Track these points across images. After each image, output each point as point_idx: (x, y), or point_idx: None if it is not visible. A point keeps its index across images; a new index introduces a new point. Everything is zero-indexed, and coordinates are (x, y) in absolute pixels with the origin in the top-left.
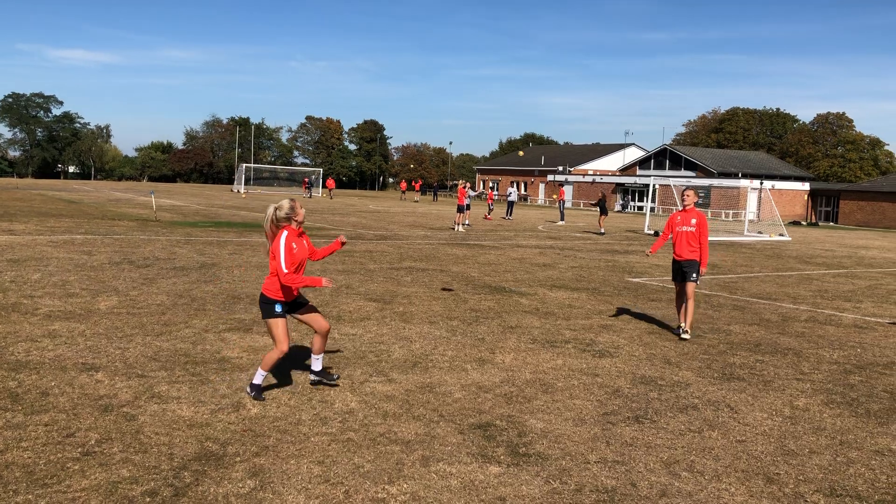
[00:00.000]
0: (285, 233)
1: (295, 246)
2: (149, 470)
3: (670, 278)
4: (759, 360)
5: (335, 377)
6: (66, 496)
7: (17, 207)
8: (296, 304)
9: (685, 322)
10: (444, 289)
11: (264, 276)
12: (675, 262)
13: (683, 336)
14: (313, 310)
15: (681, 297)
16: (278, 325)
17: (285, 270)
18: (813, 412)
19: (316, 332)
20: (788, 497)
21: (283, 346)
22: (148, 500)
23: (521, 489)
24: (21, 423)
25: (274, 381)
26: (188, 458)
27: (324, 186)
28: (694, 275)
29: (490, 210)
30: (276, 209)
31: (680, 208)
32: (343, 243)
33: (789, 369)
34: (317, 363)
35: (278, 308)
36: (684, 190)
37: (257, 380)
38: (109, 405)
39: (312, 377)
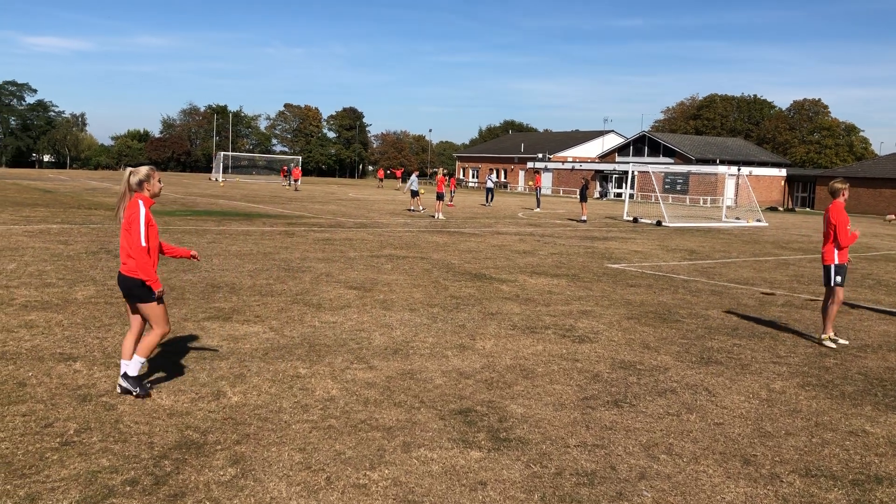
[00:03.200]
0: (142, 202)
1: (150, 221)
2: (129, 459)
3: (653, 265)
4: (736, 345)
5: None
6: (46, 486)
7: None
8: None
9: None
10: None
11: (244, 265)
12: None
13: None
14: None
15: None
16: (159, 307)
17: (143, 244)
18: (789, 395)
19: (132, 327)
20: (765, 478)
21: (166, 327)
22: (128, 488)
23: (502, 473)
24: None
25: (253, 369)
26: (168, 447)
27: (288, 175)
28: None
29: (451, 197)
30: (131, 173)
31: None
32: (194, 257)
33: (766, 353)
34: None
35: (157, 291)
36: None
37: (134, 370)
38: (88, 395)
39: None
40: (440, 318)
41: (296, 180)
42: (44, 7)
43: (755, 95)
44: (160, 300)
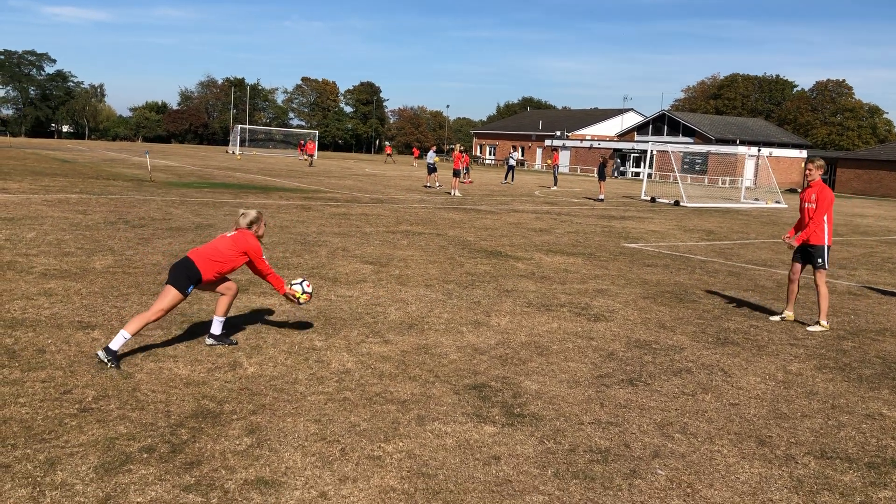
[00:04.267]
0: (254, 239)
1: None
2: (146, 427)
3: (670, 245)
4: (753, 326)
5: (234, 341)
6: (65, 451)
7: (10, 166)
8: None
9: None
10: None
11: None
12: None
13: (812, 328)
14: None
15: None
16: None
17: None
18: (806, 377)
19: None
20: (780, 459)
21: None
22: (145, 455)
23: (516, 448)
24: (18, 379)
25: (269, 341)
26: (185, 416)
27: (303, 151)
28: (820, 260)
29: (466, 174)
30: (242, 214)
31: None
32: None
33: (783, 335)
34: (217, 325)
35: (190, 289)
36: (805, 163)
37: (219, 329)
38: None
39: (209, 340)
40: (455, 295)
41: (310, 155)
42: None
43: (777, 75)
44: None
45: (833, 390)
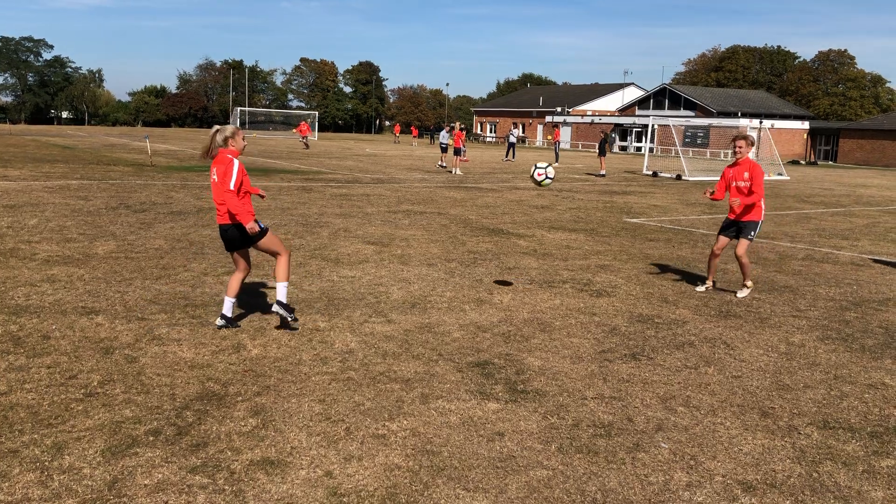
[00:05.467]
0: (231, 155)
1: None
2: (151, 410)
3: (672, 219)
4: (755, 298)
5: (239, 325)
6: (71, 435)
7: (10, 153)
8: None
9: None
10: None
11: (262, 220)
12: (728, 218)
13: (741, 294)
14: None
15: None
16: (271, 236)
17: (231, 187)
18: (808, 348)
19: (239, 270)
20: (782, 430)
21: (286, 250)
22: (151, 438)
23: (520, 424)
24: (24, 365)
25: (272, 322)
26: (190, 399)
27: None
28: (752, 233)
29: (464, 152)
30: (217, 130)
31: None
32: (262, 196)
33: (786, 307)
34: (228, 307)
35: (261, 224)
36: (735, 139)
37: (283, 296)
38: (110, 347)
39: (220, 321)
40: (458, 273)
41: (303, 136)
42: None
43: (779, 46)
44: (266, 231)
45: (835, 361)
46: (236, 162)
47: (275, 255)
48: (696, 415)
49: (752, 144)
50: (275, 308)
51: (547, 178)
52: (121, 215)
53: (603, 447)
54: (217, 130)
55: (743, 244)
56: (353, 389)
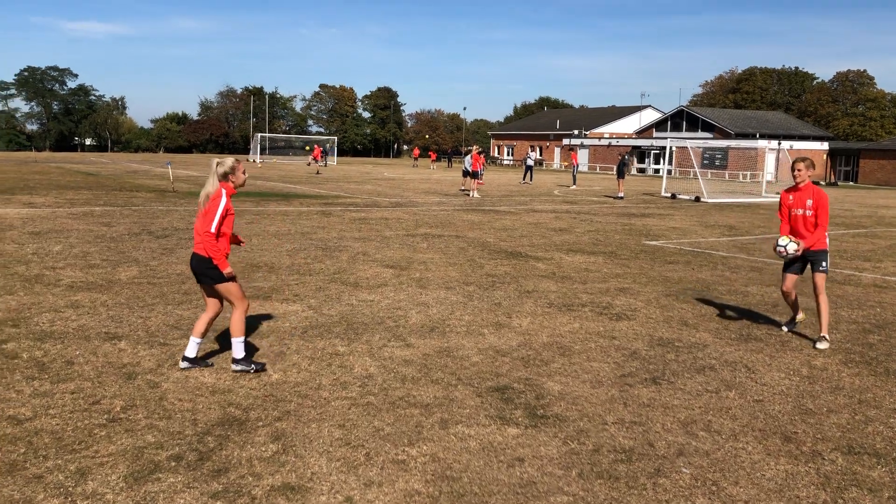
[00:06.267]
0: (224, 191)
1: (229, 210)
2: (173, 435)
3: (691, 242)
4: (777, 321)
5: (209, 363)
6: (95, 461)
7: (36, 181)
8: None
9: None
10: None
11: (282, 244)
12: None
13: (820, 345)
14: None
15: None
16: (234, 285)
17: (213, 230)
18: (831, 371)
19: (207, 309)
20: (806, 455)
21: (244, 302)
22: (173, 464)
23: (540, 450)
24: (48, 391)
25: (292, 347)
26: (211, 424)
27: (324, 155)
28: (825, 263)
29: (481, 175)
30: (217, 164)
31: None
32: (241, 243)
33: (807, 329)
34: (193, 348)
35: (228, 269)
36: (795, 162)
37: (239, 353)
38: (133, 373)
39: (183, 363)
40: (476, 297)
41: (315, 160)
42: None
43: (796, 68)
44: (233, 279)
45: (860, 385)
46: (222, 202)
47: (231, 304)
48: (717, 439)
49: (813, 167)
50: (234, 368)
51: (788, 253)
52: (143, 241)
53: (624, 473)
54: (217, 163)
55: (821, 280)
56: (372, 414)
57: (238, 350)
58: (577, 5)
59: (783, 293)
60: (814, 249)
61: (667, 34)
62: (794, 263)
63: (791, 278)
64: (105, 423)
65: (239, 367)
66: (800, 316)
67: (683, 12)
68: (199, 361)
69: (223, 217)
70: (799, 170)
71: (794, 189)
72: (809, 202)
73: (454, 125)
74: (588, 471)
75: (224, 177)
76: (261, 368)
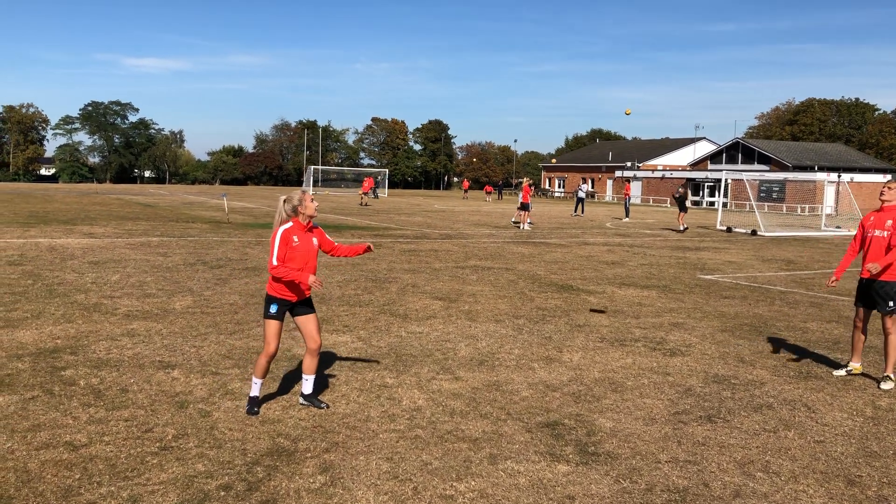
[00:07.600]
0: (284, 226)
1: (296, 239)
2: (223, 465)
3: (748, 276)
4: (838, 359)
5: (324, 405)
6: (146, 489)
7: (96, 211)
8: (300, 304)
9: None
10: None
11: (333, 275)
12: (861, 279)
13: (885, 385)
14: (311, 315)
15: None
16: (270, 325)
17: (274, 262)
18: None
19: (306, 344)
20: (871, 500)
21: (270, 347)
22: (223, 493)
23: (591, 488)
24: (103, 418)
25: (341, 378)
26: (260, 454)
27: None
28: (892, 302)
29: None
30: (284, 201)
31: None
32: (370, 248)
33: (871, 368)
34: (307, 384)
35: (273, 308)
36: (887, 183)
37: (254, 391)
38: (185, 401)
39: (302, 400)
40: (526, 330)
41: (365, 193)
42: (144, 31)
43: (856, 98)
44: (275, 317)
45: None
46: (277, 239)
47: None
48: (776, 481)
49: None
50: (248, 410)
51: None
52: (198, 271)
53: None
54: (284, 200)
55: (891, 323)
56: (420, 448)
57: (253, 388)
58: (628, 37)
59: (854, 327)
60: (882, 280)
61: (721, 66)
62: (866, 294)
63: (859, 312)
64: (157, 450)
65: (247, 408)
66: (855, 366)
67: (739, 43)
68: (314, 400)
69: (283, 252)
70: (890, 188)
71: (878, 210)
72: (889, 223)
73: (505, 157)
74: None
75: (294, 211)
76: (252, 413)
